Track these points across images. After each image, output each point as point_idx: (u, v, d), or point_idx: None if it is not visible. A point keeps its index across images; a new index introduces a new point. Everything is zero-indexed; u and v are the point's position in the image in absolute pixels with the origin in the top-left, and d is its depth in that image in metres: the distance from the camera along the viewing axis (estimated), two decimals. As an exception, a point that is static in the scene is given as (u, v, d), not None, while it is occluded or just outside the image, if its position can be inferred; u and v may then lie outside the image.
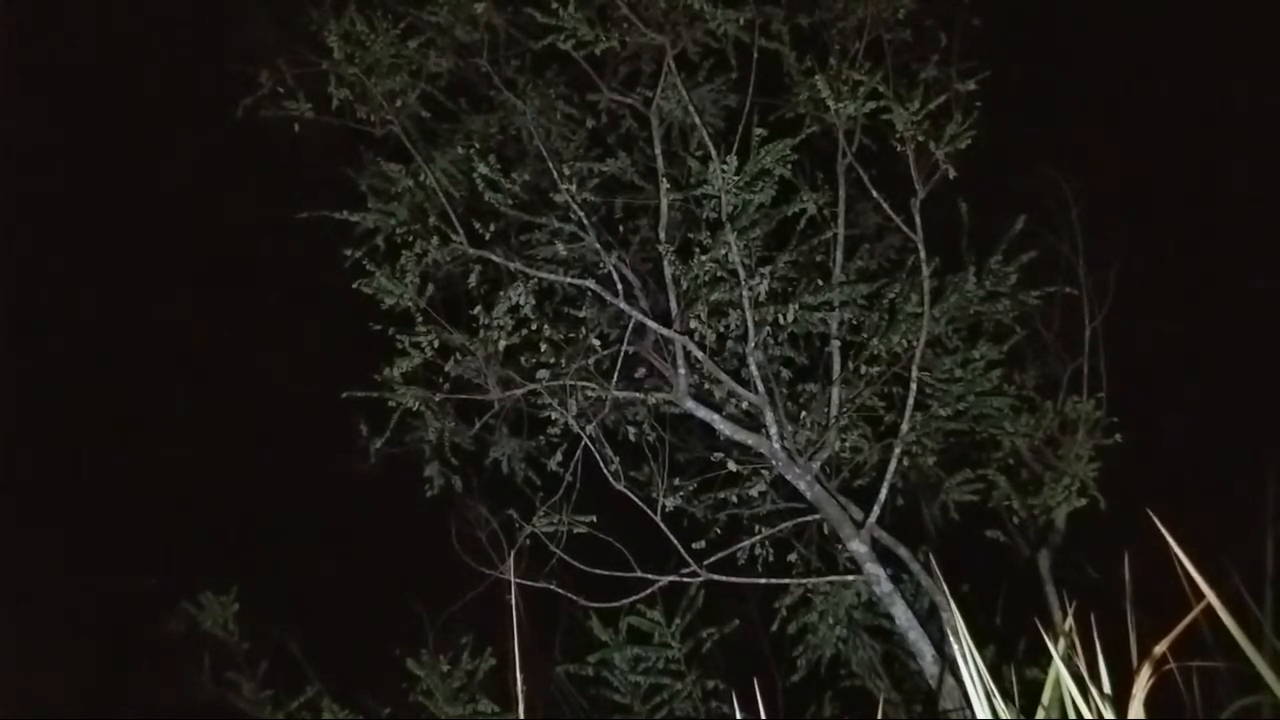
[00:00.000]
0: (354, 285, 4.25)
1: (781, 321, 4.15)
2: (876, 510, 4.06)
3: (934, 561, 4.09)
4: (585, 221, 4.22)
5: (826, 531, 4.36)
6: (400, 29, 4.30)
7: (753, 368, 4.13)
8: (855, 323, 4.31)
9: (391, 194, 4.36)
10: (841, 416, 4.18)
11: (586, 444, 4.22)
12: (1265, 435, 3.96)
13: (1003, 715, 1.78)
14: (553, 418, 4.27)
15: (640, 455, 4.44)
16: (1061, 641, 1.82)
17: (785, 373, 4.44)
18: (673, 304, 4.19)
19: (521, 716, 2.28)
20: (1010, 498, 4.44)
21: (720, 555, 4.16)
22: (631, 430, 4.46)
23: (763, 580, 4.26)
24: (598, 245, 4.23)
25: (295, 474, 4.88)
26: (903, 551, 4.11)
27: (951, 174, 3.96)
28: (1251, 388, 4.43)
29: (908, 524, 4.52)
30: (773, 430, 4.12)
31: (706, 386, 4.31)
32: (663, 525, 4.11)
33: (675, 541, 4.08)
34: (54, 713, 4.60)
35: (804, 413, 4.36)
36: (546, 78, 4.50)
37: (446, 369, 4.28)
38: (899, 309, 4.21)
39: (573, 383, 4.20)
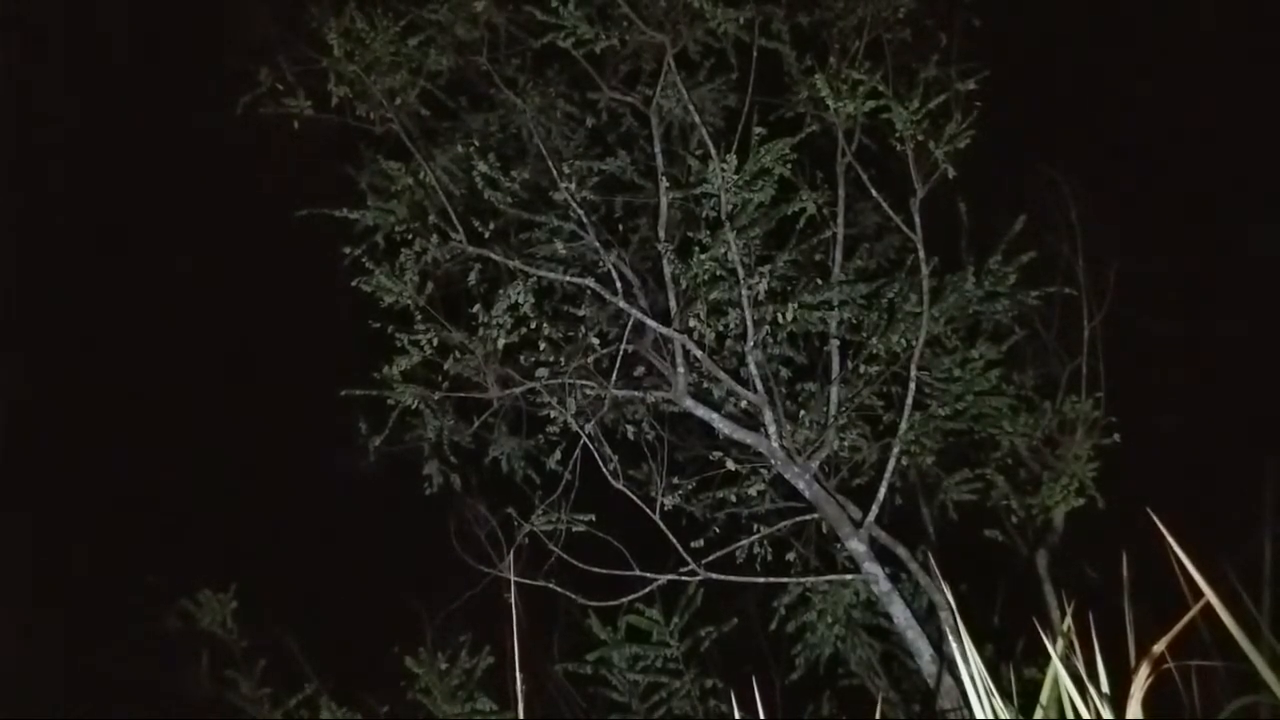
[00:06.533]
0: (353, 283, 4.25)
1: (780, 320, 4.15)
2: (875, 509, 4.06)
3: (932, 561, 4.09)
4: (585, 220, 4.22)
5: (825, 530, 4.37)
6: (400, 27, 4.30)
7: (752, 367, 4.13)
8: (854, 322, 4.31)
9: (391, 192, 4.36)
10: (840, 416, 4.19)
11: (585, 442, 4.22)
12: (1265, 435, 3.96)
13: (1001, 715, 1.78)
14: (552, 416, 4.27)
15: (639, 454, 4.44)
16: (1060, 641, 1.82)
17: (784, 372, 4.44)
18: (672, 303, 4.19)
19: (520, 715, 2.28)
20: (1009, 497, 4.44)
21: (719, 554, 4.16)
22: (630, 429, 4.46)
23: (761, 579, 4.26)
24: (597, 244, 4.23)
25: (295, 473, 4.88)
26: (901, 551, 4.11)
27: (951, 174, 3.96)
28: (1250, 388, 4.43)
29: (906, 523, 4.52)
30: (771, 429, 4.12)
31: (705, 385, 4.31)
32: (661, 524, 4.11)
33: (674, 540, 4.09)
34: (54, 711, 4.60)
35: (803, 412, 4.36)
36: (547, 76, 4.50)
37: (446, 367, 4.28)
38: (898, 308, 4.21)
39: (572, 381, 4.20)
